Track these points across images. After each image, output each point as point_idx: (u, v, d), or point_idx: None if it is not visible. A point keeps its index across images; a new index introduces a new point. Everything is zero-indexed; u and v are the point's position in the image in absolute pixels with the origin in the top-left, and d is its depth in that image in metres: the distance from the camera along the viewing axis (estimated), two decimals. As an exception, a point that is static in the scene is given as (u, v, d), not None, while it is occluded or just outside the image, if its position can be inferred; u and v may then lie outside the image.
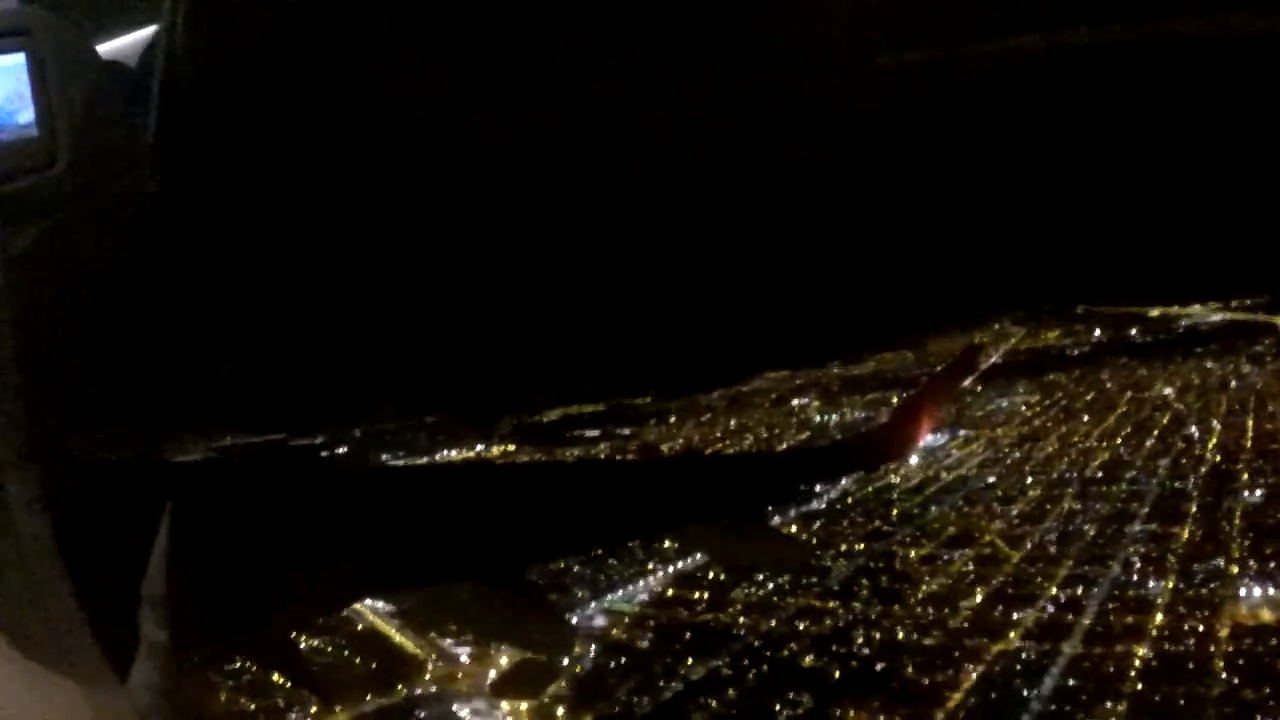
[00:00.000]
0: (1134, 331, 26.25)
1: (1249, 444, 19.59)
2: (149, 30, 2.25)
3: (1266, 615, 15.03)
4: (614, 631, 17.67)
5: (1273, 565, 16.10)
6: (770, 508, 19.84)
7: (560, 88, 2.55)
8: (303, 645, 17.50)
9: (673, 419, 24.30)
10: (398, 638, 18.22)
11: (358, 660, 17.12)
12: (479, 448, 21.66)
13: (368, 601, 19.25)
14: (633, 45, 2.45)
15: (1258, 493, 18.04)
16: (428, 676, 16.77)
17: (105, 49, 2.23)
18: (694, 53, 2.54)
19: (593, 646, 17.25)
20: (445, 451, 21.81)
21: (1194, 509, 17.86)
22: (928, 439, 21.27)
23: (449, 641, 17.92)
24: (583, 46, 2.40)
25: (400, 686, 16.51)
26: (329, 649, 17.50)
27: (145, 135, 2.18)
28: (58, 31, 2.03)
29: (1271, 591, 15.43)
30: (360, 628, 18.56)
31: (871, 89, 2.72)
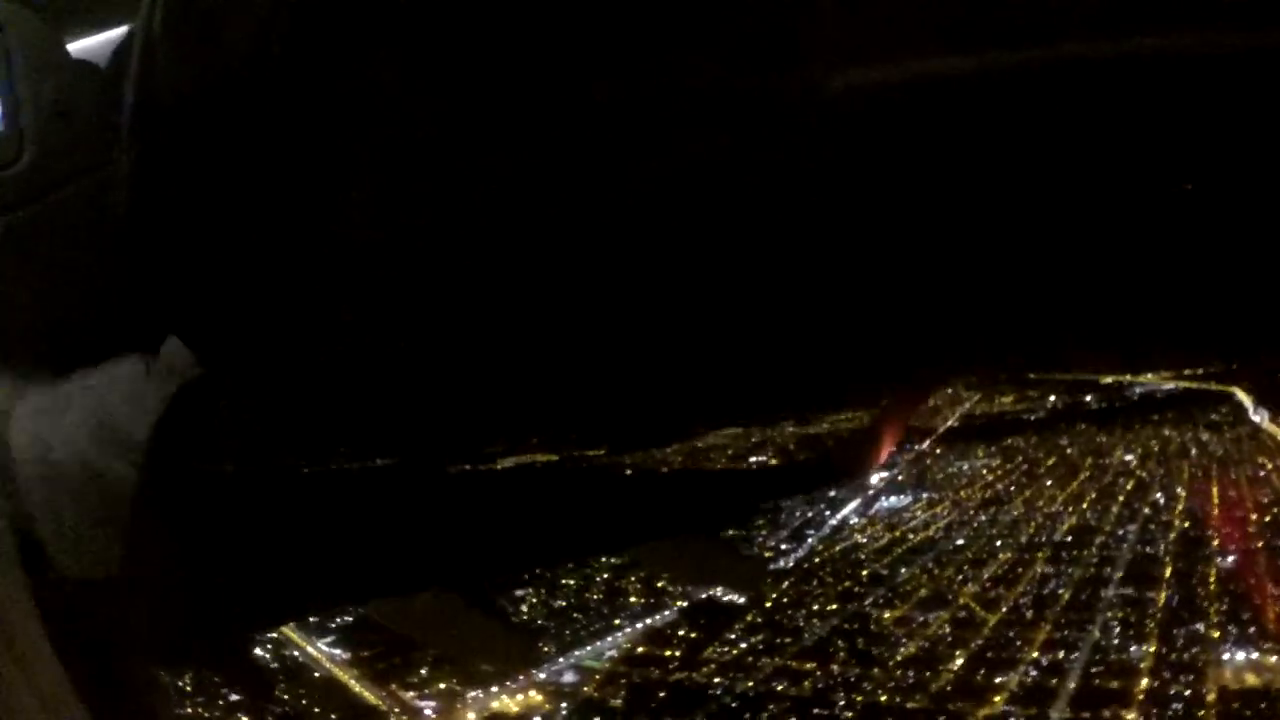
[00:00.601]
0: (1089, 398, 26.66)
1: (1215, 510, 19.73)
2: (122, 29, 2.25)
3: (1251, 679, 15.02)
4: (585, 689, 17.18)
5: (1252, 630, 16.12)
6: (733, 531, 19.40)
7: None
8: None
9: (629, 472, 24.40)
10: (357, 688, 17.56)
11: (316, 711, 16.42)
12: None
13: (324, 648, 18.97)
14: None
15: (1229, 559, 18.12)
16: (392, 732, 16.12)
17: (76, 46, 2.28)
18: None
19: (563, 704, 16.78)
20: None
21: (1167, 574, 17.85)
22: (893, 501, 21.57)
23: (411, 695, 17.30)
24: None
25: (365, 743, 15.83)
26: (285, 698, 16.87)
27: (116, 135, 2.18)
28: (27, 26, 2.06)
29: (1254, 655, 15.41)
30: (317, 676, 17.90)
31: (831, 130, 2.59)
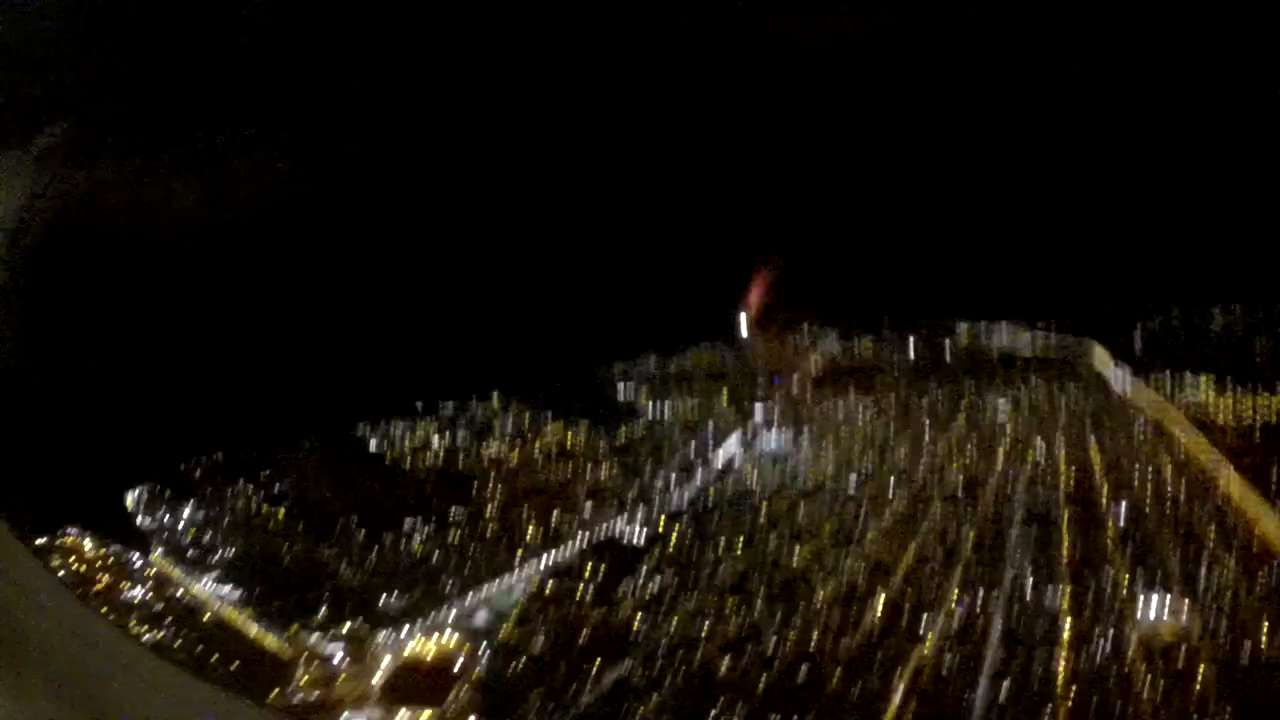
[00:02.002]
0: (948, 346, 26.93)
1: (1099, 464, 20.09)
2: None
3: (1168, 621, 15.27)
4: (503, 628, 15.99)
5: (1158, 575, 16.48)
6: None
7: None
8: (147, 637, 14.91)
9: (494, 397, 23.14)
10: (254, 631, 15.84)
11: (215, 659, 14.59)
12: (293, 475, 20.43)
13: (210, 586, 17.01)
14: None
15: (1122, 509, 18.51)
16: (303, 681, 14.45)
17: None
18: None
19: (483, 645, 15.53)
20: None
21: (1065, 521, 18.11)
22: (774, 442, 21.10)
23: (316, 638, 15.70)
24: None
25: (275, 692, 14.14)
26: (178, 644, 15.00)
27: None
28: None
29: (1168, 599, 15.69)
30: (208, 619, 16.07)
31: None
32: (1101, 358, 25.06)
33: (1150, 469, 20.47)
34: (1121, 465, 20.76)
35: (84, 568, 16.53)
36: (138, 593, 16.51)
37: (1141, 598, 15.89)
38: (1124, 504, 19.04)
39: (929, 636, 15.01)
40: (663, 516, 18.44)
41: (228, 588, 16.53)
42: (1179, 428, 22.00)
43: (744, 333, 23.41)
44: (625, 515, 18.86)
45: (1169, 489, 19.59)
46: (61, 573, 15.74)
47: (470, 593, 16.38)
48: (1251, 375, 23.32)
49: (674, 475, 20.00)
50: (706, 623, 15.50)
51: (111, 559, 16.99)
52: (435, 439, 21.04)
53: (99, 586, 16.23)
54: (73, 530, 16.59)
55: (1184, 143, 19.88)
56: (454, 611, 15.81)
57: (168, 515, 18.83)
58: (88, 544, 16.86)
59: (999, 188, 23.34)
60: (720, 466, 20.78)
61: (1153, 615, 15.53)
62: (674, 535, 17.85)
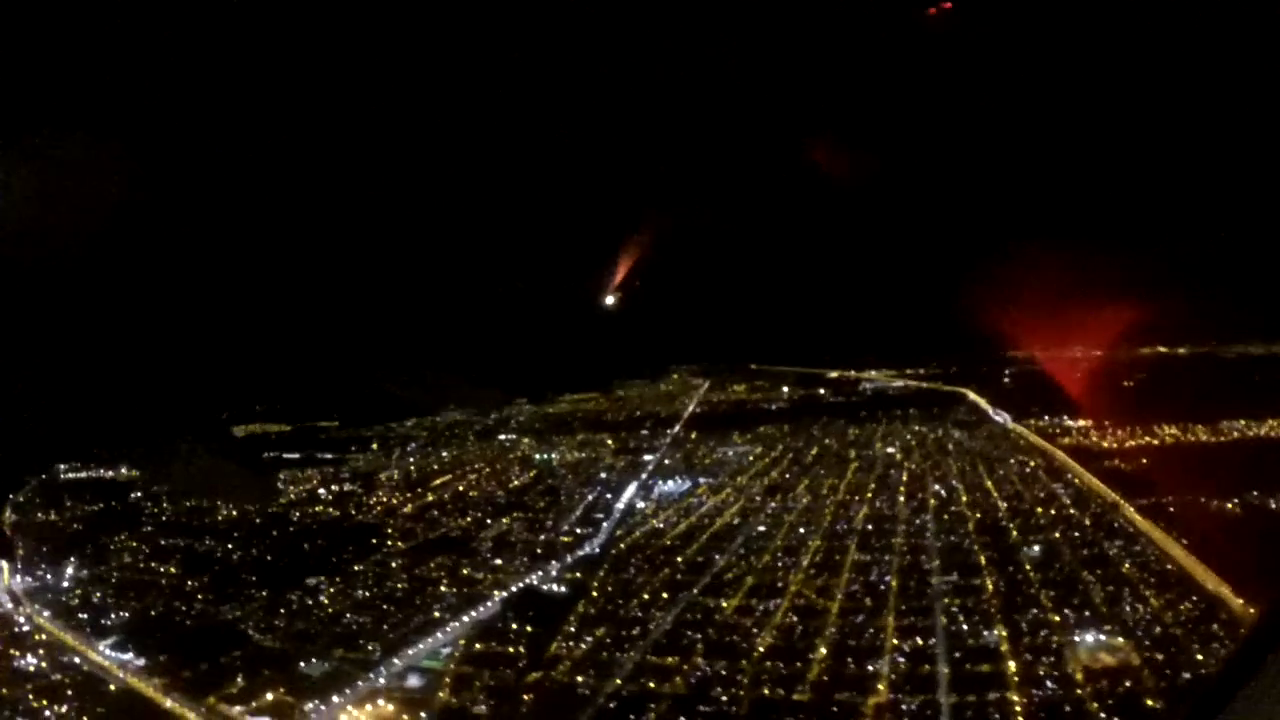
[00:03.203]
0: (821, 391, 26.91)
1: (1001, 504, 20.24)
2: None
3: (1107, 658, 15.37)
4: (440, 695, 14.66)
5: (1087, 613, 16.60)
6: (538, 560, 17.93)
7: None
8: (49, 714, 13.05)
9: (375, 446, 22.20)
10: (168, 704, 14.12)
11: None
12: (175, 466, 19.27)
13: (110, 653, 15.15)
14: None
15: (1035, 549, 18.69)
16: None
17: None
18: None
19: (422, 714, 14.17)
20: (125, 467, 19.04)
21: (983, 562, 18.14)
22: (671, 485, 20.55)
23: (239, 710, 14.10)
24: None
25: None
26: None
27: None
28: None
29: (1102, 637, 15.76)
30: (114, 689, 14.32)
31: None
32: (976, 402, 25.55)
33: (1052, 508, 20.86)
34: (1024, 505, 21.10)
35: None
36: (30, 662, 14.86)
37: (1076, 633, 16.04)
38: (1037, 545, 19.39)
39: (879, 686, 14.66)
40: (578, 569, 17.50)
41: (129, 654, 14.92)
42: (1068, 466, 22.53)
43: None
44: (537, 566, 18.05)
45: (1075, 526, 20.02)
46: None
47: (394, 656, 15.09)
48: (1122, 413, 24.23)
49: (577, 524, 19.33)
50: (650, 682, 14.71)
51: None
52: (322, 489, 19.95)
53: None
54: None
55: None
56: (382, 678, 14.44)
57: (48, 575, 17.36)
58: None
59: (853, 240, 23.77)
60: (621, 512, 20.17)
61: (1091, 649, 15.64)
62: (594, 586, 17.00)
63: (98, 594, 16.89)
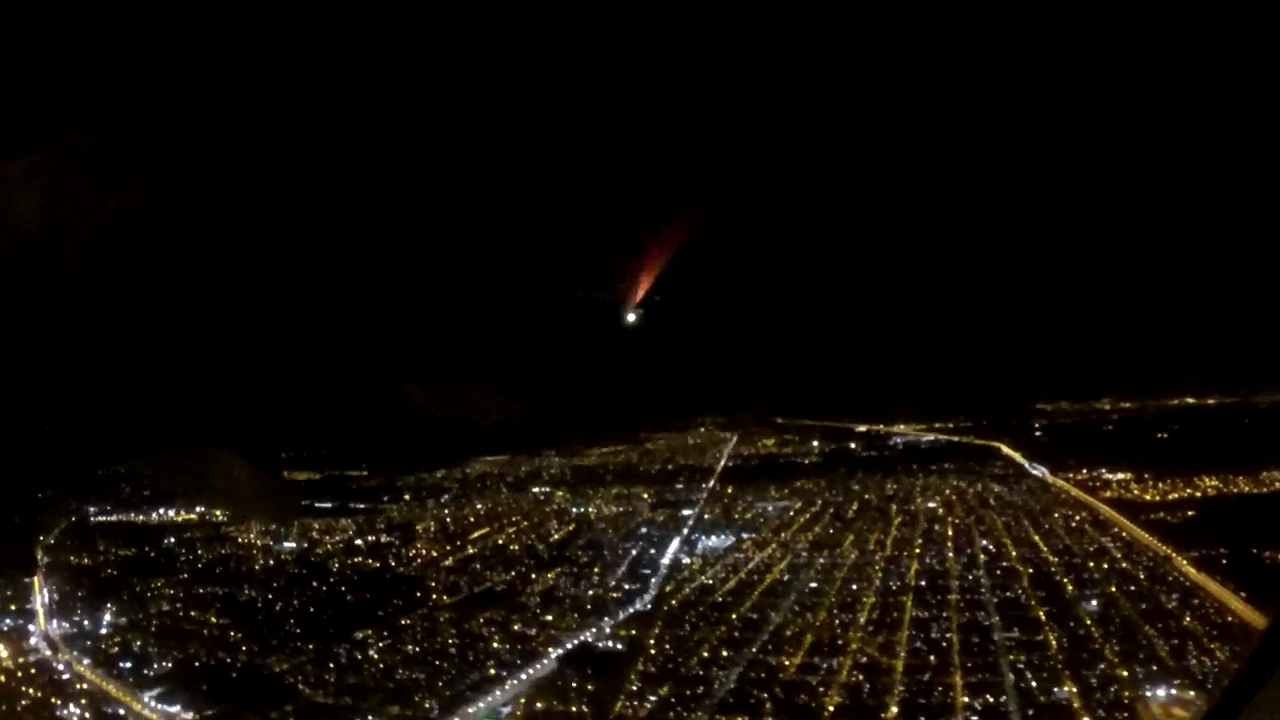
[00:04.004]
0: (852, 445, 26.44)
1: (1051, 558, 19.79)
2: None
3: (1181, 712, 15.07)
4: None
5: (1154, 668, 16.18)
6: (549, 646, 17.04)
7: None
8: None
9: (407, 496, 21.62)
10: None
11: None
12: (197, 509, 19.61)
13: (156, 706, 14.65)
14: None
15: (1093, 603, 18.23)
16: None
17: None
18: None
19: None
20: (159, 510, 19.70)
21: (1042, 617, 17.68)
22: (714, 540, 19.97)
23: None
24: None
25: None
26: None
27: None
28: None
29: (1173, 691, 15.37)
30: None
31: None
32: (1011, 456, 25.19)
33: (1104, 562, 20.44)
34: (1075, 559, 20.65)
35: (2, 677, 14.70)
36: (73, 712, 14.43)
37: (1147, 688, 15.65)
38: (1094, 599, 18.96)
39: (961, 745, 14.10)
40: (633, 625, 17.09)
41: (176, 707, 14.57)
42: (1114, 520, 22.13)
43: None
44: (590, 622, 17.47)
45: (1129, 580, 19.62)
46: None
47: (453, 714, 14.40)
48: (1161, 466, 23.96)
49: (624, 579, 18.79)
50: (726, 747, 14.09)
51: (34, 669, 15.10)
52: (359, 539, 19.31)
53: (26, 702, 14.31)
54: None
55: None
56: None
57: (85, 620, 16.86)
58: (2, 650, 15.22)
59: (881, 297, 23.57)
60: (668, 568, 19.63)
61: (1164, 704, 15.28)
62: (651, 643, 16.39)
63: (138, 642, 16.42)
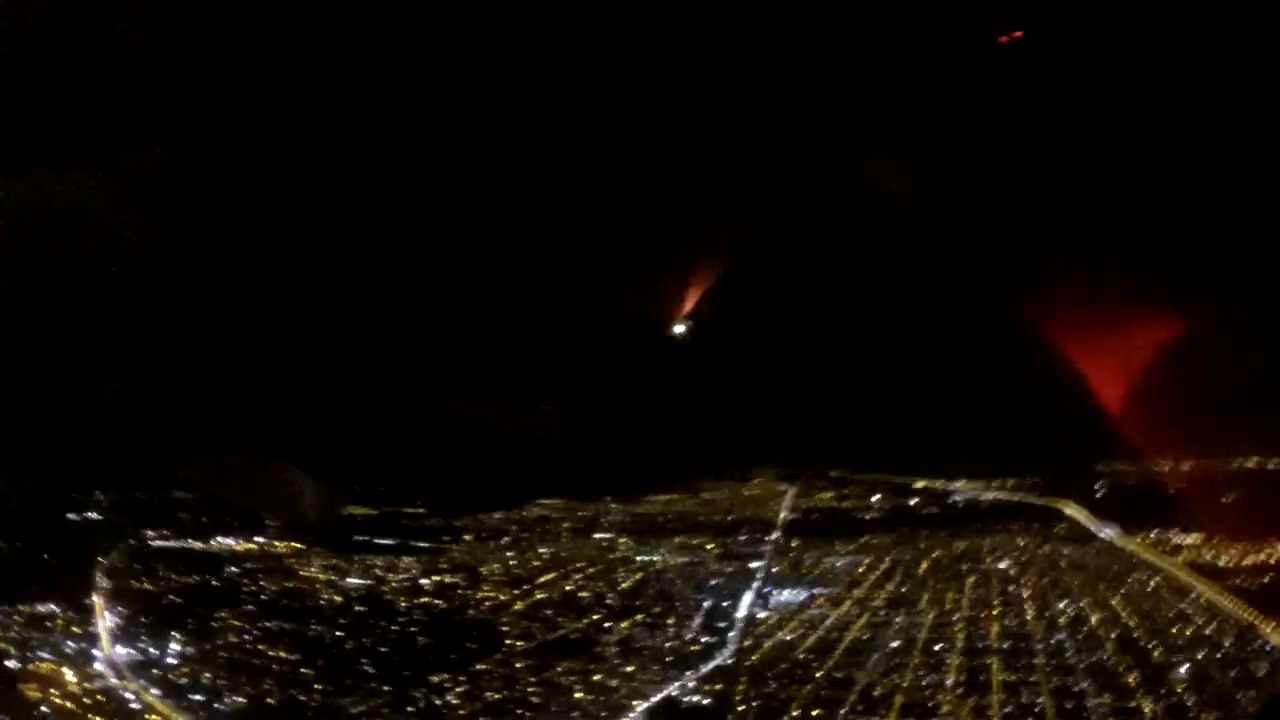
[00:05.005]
0: (912, 501, 25.69)
1: (1132, 621, 19.17)
2: None
3: None
4: None
5: None
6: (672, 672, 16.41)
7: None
8: None
9: (468, 537, 20.89)
10: None
11: None
12: (256, 539, 18.50)
13: None
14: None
15: (1182, 669, 17.61)
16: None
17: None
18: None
19: None
20: (219, 539, 18.41)
21: (1133, 683, 17.02)
22: (787, 595, 19.22)
23: None
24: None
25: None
26: None
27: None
28: None
29: None
30: None
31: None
32: (1076, 515, 24.59)
33: (1187, 627, 19.82)
34: (1158, 623, 20.02)
35: (69, 704, 13.87)
36: None
37: None
38: (1183, 665, 18.36)
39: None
40: (717, 680, 16.68)
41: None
42: (1193, 584, 21.56)
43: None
44: (672, 676, 16.73)
45: (1216, 645, 19.01)
46: (44, 708, 13.52)
47: None
48: (1233, 528, 23.42)
49: (701, 631, 18.08)
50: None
51: (100, 695, 14.29)
52: (424, 580, 18.52)
53: (94, 731, 13.75)
54: (45, 654, 14.27)
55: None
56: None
57: (151, 648, 15.80)
58: (69, 675, 14.26)
59: (937, 349, 23.19)
60: (744, 622, 18.92)
61: None
62: (737, 700, 15.72)
63: (207, 674, 15.56)
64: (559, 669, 16.30)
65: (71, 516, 15.85)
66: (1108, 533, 23.21)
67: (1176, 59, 15.18)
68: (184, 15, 13.46)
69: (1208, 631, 18.98)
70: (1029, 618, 19.91)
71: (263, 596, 17.85)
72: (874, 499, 24.75)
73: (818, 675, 16.73)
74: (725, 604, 19.36)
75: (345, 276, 16.68)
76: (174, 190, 14.58)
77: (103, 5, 13.26)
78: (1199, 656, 18.01)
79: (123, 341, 14.77)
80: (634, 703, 15.55)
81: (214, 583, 17.60)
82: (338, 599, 18.14)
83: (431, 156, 16.05)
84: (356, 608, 17.68)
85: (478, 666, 15.84)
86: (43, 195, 13.75)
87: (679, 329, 18.74)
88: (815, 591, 20.26)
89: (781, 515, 23.01)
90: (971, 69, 15.87)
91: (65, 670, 14.01)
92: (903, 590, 20.75)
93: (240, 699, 14.81)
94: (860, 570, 21.36)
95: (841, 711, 15.70)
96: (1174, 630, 19.18)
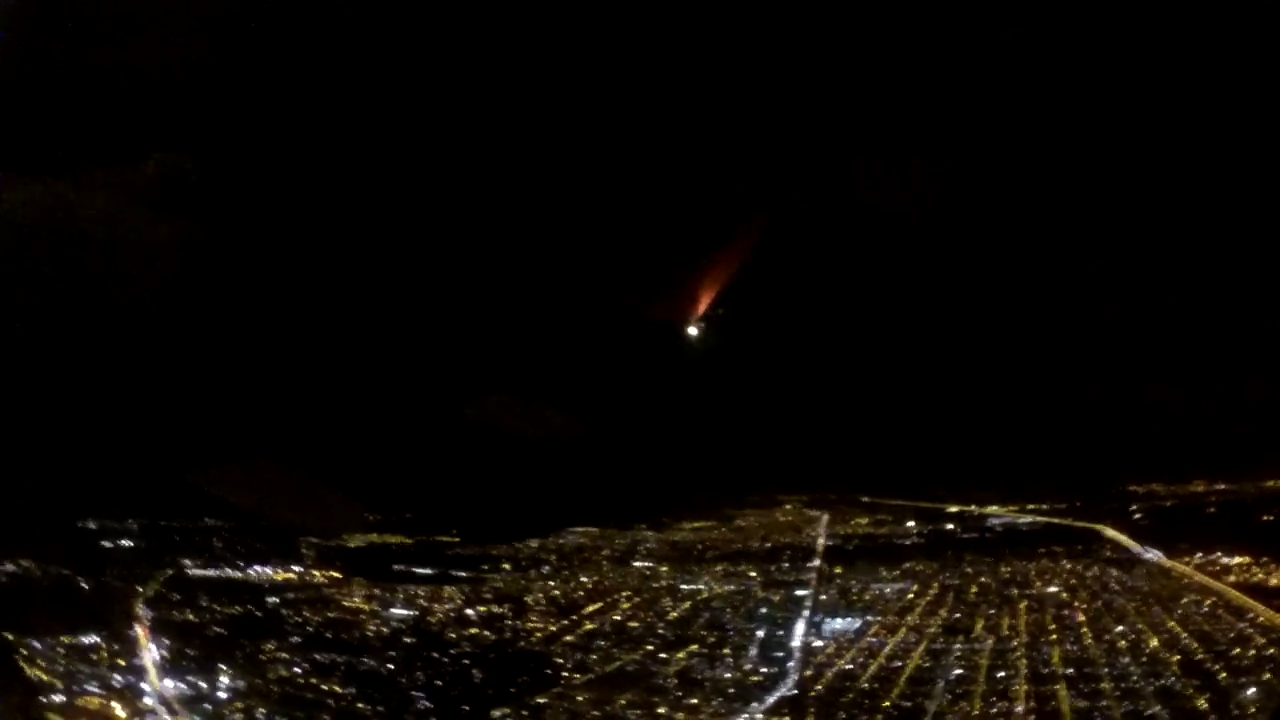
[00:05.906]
0: (949, 526, 25.15)
1: (1193, 644, 18.70)
2: None
3: None
4: None
5: None
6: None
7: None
8: None
9: (507, 566, 20.26)
10: None
11: None
12: (294, 568, 18.29)
13: None
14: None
15: (1250, 690, 17.20)
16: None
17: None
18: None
19: None
20: (257, 567, 18.15)
21: (1204, 706, 16.66)
22: (838, 622, 18.67)
23: None
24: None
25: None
26: None
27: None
28: None
29: None
30: None
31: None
32: (1117, 538, 24.12)
33: (1249, 648, 19.37)
34: (1218, 645, 19.55)
35: None
36: None
37: None
38: (1251, 687, 17.91)
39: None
40: (784, 712, 16.38)
41: None
42: (1249, 605, 21.10)
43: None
44: (737, 708, 16.43)
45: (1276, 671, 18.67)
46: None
47: None
48: (1275, 546, 23.00)
49: (759, 662, 17.59)
50: None
51: None
52: (469, 610, 17.82)
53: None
54: (93, 688, 14.18)
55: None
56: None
57: (200, 682, 15.58)
58: (119, 709, 14.23)
59: (970, 374, 22.80)
60: (800, 650, 18.30)
61: None
62: None
63: (261, 709, 15.30)
64: (621, 701, 15.89)
65: (105, 544, 15.60)
66: (1152, 555, 22.84)
67: (1195, 63, 14.99)
68: (197, 27, 13.47)
69: (1270, 652, 18.68)
70: (1088, 642, 19.44)
71: (308, 628, 17.36)
72: (909, 524, 24.34)
73: (885, 705, 16.48)
74: (779, 633, 18.97)
75: (362, 286, 16.42)
76: (191, 201, 14.37)
77: (116, 18, 13.14)
78: (1266, 677, 17.77)
79: (137, 355, 14.47)
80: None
81: (257, 613, 17.10)
82: (384, 630, 17.75)
83: (452, 168, 15.59)
84: (405, 639, 17.30)
85: (538, 700, 15.45)
86: (58, 205, 13.59)
87: (693, 332, 18.35)
88: (868, 619, 19.83)
89: (820, 542, 22.53)
90: (997, 73, 15.56)
91: (114, 704, 13.49)
92: (956, 616, 20.28)
93: (292, 735, 14.17)
94: (910, 597, 20.89)
95: (915, 740, 15.19)
96: (1236, 652, 18.84)
